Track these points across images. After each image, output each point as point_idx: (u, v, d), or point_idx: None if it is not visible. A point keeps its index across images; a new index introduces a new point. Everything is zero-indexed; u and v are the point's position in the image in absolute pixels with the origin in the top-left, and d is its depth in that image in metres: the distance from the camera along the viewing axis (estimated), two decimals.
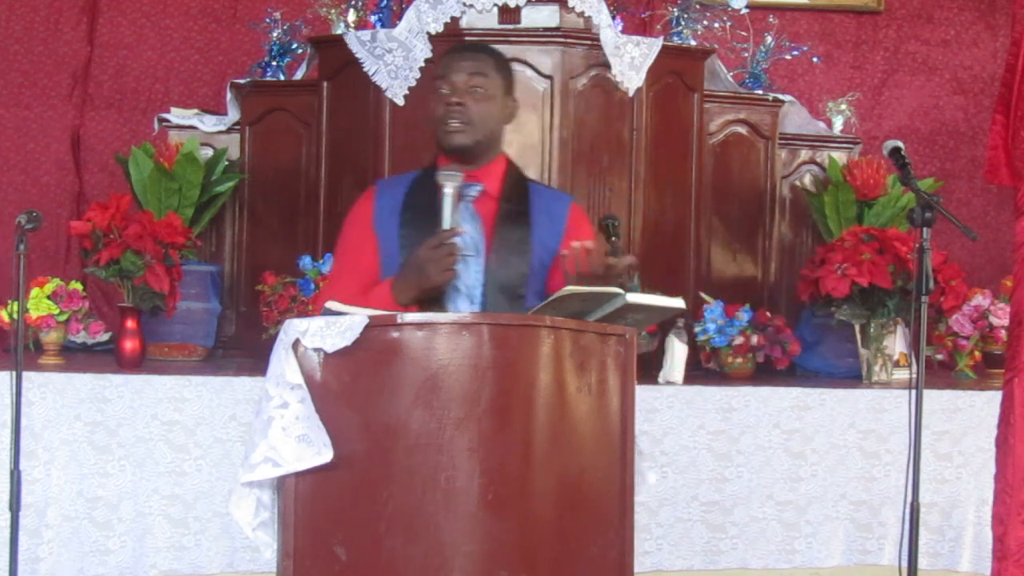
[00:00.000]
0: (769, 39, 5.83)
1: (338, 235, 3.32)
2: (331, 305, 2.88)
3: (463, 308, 3.12)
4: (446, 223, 3.06)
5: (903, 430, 4.20)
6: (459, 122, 3.15)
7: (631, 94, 5.11)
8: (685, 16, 5.45)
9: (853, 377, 5.18)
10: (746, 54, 5.82)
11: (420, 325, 2.74)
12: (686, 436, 4.67)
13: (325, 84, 5.33)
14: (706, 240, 5.48)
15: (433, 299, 3.09)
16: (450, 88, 3.18)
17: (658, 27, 5.57)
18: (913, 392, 3.56)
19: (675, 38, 5.41)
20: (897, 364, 5.19)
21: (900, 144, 3.75)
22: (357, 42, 5.07)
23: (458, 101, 3.16)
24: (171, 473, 4.44)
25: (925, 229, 3.56)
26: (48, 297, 4.74)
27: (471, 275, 3.15)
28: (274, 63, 5.62)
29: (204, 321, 5.33)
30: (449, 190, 3.07)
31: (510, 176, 3.26)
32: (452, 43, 4.98)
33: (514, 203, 3.21)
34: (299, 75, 5.62)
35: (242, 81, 5.62)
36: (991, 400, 4.62)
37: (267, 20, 5.68)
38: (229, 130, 5.59)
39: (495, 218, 3.19)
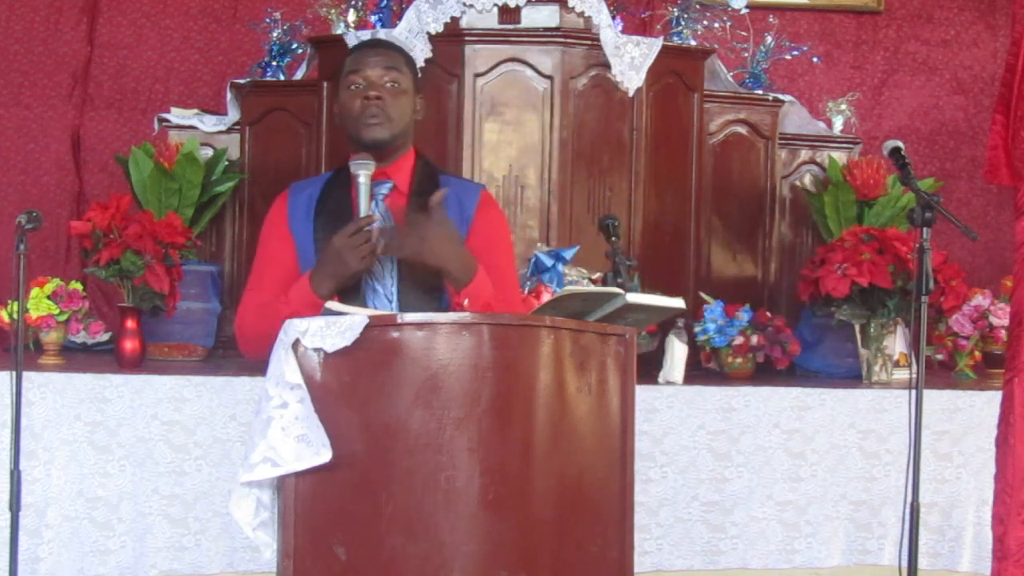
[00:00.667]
0: (769, 39, 5.83)
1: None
2: (331, 305, 2.88)
3: (382, 307, 3.12)
4: (362, 211, 3.08)
5: (903, 430, 4.20)
6: (378, 116, 3.17)
7: (631, 94, 5.11)
8: (685, 16, 5.45)
9: (853, 377, 5.18)
10: (746, 54, 5.82)
11: (420, 325, 2.74)
12: (686, 436, 4.67)
13: (325, 84, 5.33)
14: (706, 240, 5.48)
15: (351, 291, 3.09)
16: (365, 82, 3.19)
17: (658, 27, 5.57)
18: (913, 392, 3.56)
19: (675, 38, 5.41)
20: (897, 364, 5.19)
21: (900, 144, 3.75)
22: (357, 42, 5.06)
23: (377, 95, 3.17)
24: (171, 473, 4.44)
25: (925, 229, 3.56)
26: (48, 297, 4.74)
27: (386, 274, 3.15)
28: (274, 63, 5.62)
29: (204, 321, 5.33)
30: (362, 179, 3.09)
31: (419, 170, 3.26)
32: (453, 43, 5.02)
33: (424, 197, 3.18)
34: (299, 75, 5.63)
35: (242, 81, 5.62)
36: (991, 400, 4.61)
37: (267, 20, 5.68)
38: (229, 130, 5.59)
39: (404, 214, 3.17)
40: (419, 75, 3.33)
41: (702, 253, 5.45)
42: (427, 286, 3.11)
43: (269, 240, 3.28)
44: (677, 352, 4.84)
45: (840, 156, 5.71)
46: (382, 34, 5.04)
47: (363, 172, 3.10)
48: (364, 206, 3.09)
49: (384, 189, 3.22)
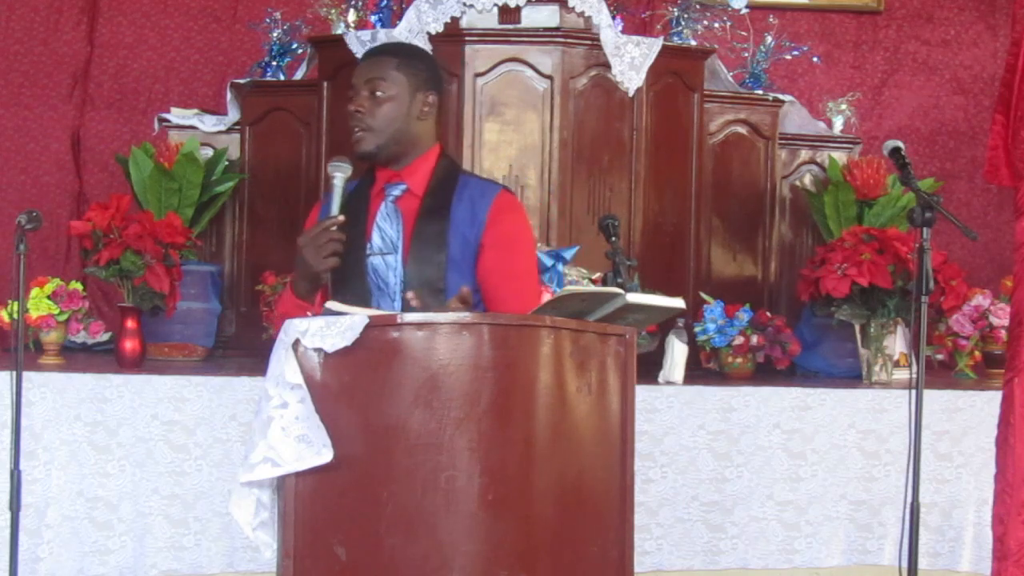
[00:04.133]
0: (769, 39, 5.83)
1: None
2: (331, 305, 2.89)
3: (386, 306, 3.14)
4: (332, 211, 3.10)
5: (903, 430, 4.20)
6: (360, 129, 3.18)
7: (631, 94, 5.11)
8: (685, 16, 5.45)
9: (853, 377, 5.18)
10: (746, 54, 5.82)
11: (420, 325, 2.75)
12: (686, 436, 4.67)
13: (325, 84, 5.33)
14: (706, 240, 5.48)
15: (357, 290, 3.13)
16: (354, 94, 3.21)
17: (658, 27, 5.57)
18: (913, 392, 3.56)
19: (675, 38, 5.41)
20: (897, 364, 5.19)
21: (900, 144, 3.75)
22: (357, 42, 5.07)
23: (355, 109, 3.19)
24: (171, 473, 4.44)
25: (925, 229, 3.56)
26: (48, 297, 4.74)
27: (391, 273, 3.17)
28: (274, 63, 5.63)
29: (204, 321, 5.33)
30: (336, 180, 3.12)
31: (438, 172, 3.26)
32: (453, 42, 5.02)
33: (437, 198, 3.20)
34: (299, 75, 5.63)
35: (242, 81, 5.62)
36: (991, 400, 4.61)
37: (267, 20, 5.69)
38: (229, 130, 5.59)
39: (416, 215, 3.20)
40: (425, 71, 3.26)
41: (702, 253, 5.45)
42: (433, 286, 3.13)
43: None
44: (677, 352, 4.84)
45: (840, 156, 5.71)
46: (382, 35, 5.04)
47: (338, 174, 3.14)
48: (335, 207, 3.12)
49: (396, 191, 3.23)
